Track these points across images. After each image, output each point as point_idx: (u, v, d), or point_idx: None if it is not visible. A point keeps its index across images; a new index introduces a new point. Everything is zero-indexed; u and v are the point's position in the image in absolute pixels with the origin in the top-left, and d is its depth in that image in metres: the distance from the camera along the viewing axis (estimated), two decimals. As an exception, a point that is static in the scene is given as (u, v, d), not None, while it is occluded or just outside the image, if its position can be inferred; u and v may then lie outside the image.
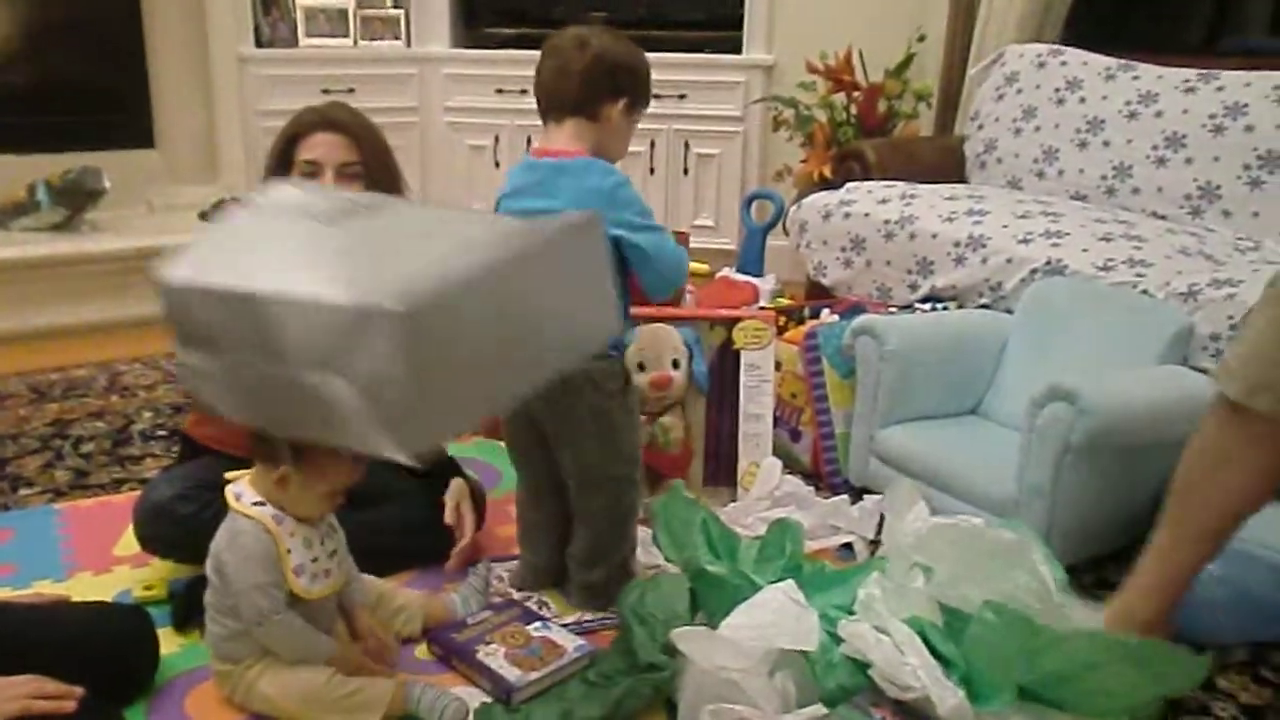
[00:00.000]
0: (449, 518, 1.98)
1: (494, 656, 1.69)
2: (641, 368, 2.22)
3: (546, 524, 1.92)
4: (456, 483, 2.03)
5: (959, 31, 3.81)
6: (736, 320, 2.28)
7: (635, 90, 1.79)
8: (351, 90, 4.26)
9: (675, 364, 2.25)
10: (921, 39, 3.89)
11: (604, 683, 1.59)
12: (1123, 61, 3.14)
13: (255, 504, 1.56)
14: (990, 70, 3.51)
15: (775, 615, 1.54)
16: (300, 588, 1.55)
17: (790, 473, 2.39)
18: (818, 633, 1.52)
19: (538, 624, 1.78)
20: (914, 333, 2.36)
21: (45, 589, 1.89)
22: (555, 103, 1.77)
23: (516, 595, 1.92)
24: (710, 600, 1.68)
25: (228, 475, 1.61)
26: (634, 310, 1.91)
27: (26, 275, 3.42)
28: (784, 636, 1.51)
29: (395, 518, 1.94)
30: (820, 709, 1.52)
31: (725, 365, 2.30)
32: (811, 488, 2.34)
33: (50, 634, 1.51)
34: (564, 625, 1.80)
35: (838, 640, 1.55)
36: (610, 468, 1.83)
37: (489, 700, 1.63)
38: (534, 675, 1.65)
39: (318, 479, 1.54)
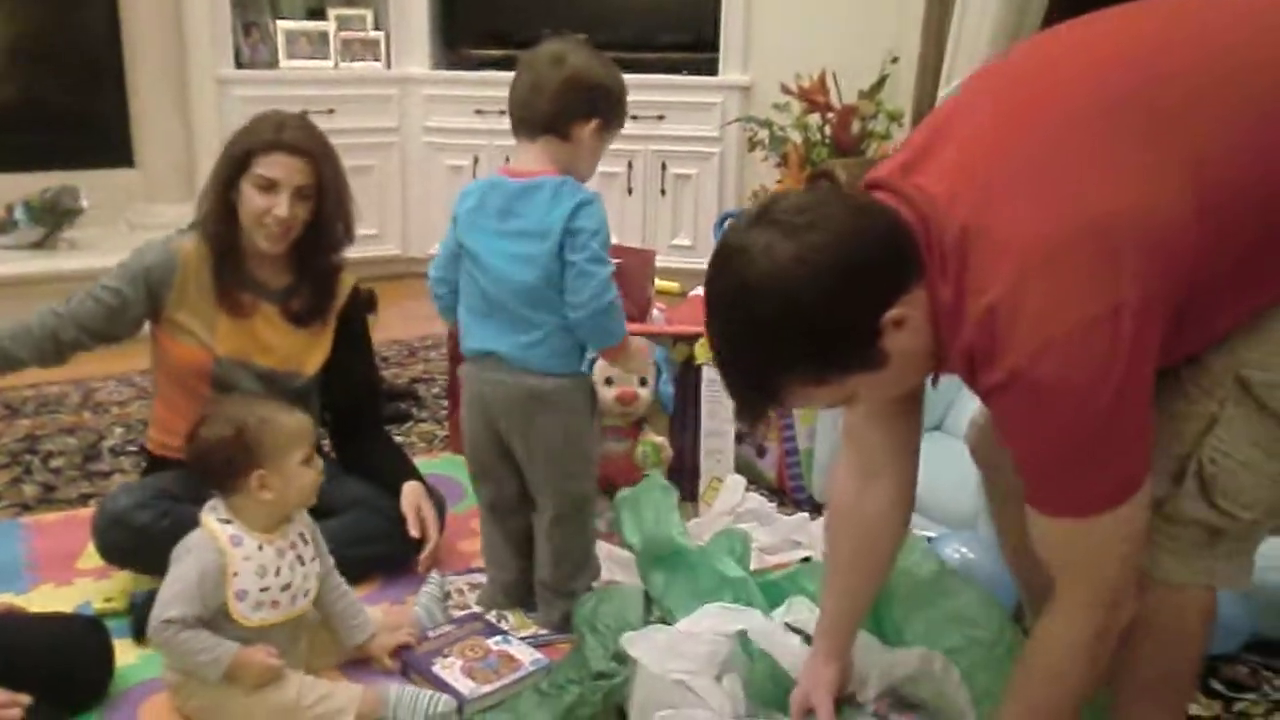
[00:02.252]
0: (411, 523, 1.99)
1: (450, 670, 1.71)
2: (609, 382, 2.24)
3: (509, 540, 1.92)
4: (410, 486, 2.04)
5: (931, 53, 3.85)
6: (698, 336, 2.30)
7: (609, 111, 1.76)
8: (331, 111, 4.27)
9: (643, 381, 2.27)
10: (894, 60, 3.93)
11: (555, 692, 1.60)
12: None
13: (221, 520, 1.58)
14: (959, 90, 3.55)
15: (719, 614, 1.58)
16: (238, 612, 1.57)
17: (755, 488, 2.41)
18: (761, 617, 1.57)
19: (498, 638, 1.80)
20: (876, 349, 2.38)
21: (6, 600, 1.90)
22: (527, 120, 1.74)
23: (479, 610, 1.92)
24: (673, 584, 1.74)
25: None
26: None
27: (4, 293, 3.43)
28: (734, 623, 1.56)
29: (351, 528, 1.95)
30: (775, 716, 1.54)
31: (688, 382, 2.32)
32: (775, 504, 2.36)
33: (1, 642, 1.51)
34: (522, 639, 1.82)
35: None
36: (581, 484, 1.84)
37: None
38: (487, 688, 1.67)
39: (283, 455, 1.60)
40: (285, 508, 1.63)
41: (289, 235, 1.94)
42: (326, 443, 2.19)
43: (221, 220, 1.94)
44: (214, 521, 1.59)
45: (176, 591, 1.54)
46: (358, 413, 2.17)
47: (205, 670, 1.54)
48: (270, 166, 1.89)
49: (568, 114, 1.72)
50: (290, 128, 1.93)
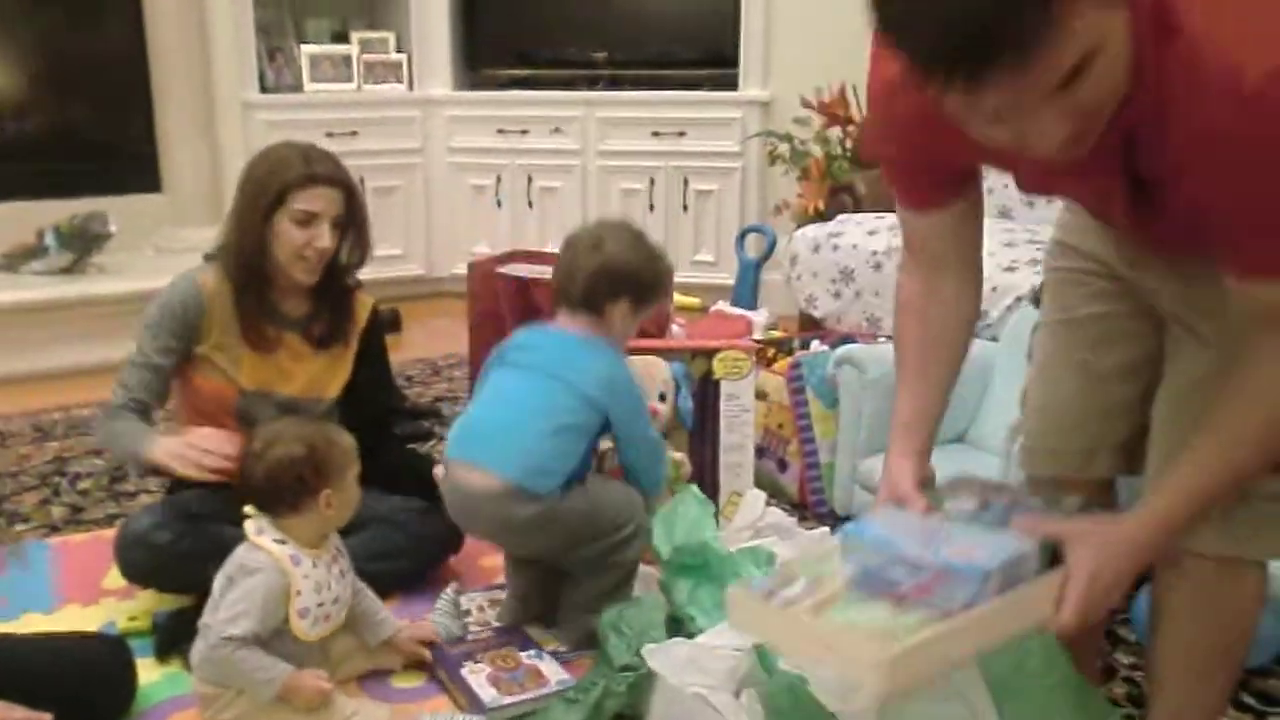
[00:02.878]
0: None
1: (477, 675, 1.73)
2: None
3: (532, 567, 1.93)
4: None
5: (951, 65, 3.84)
6: (716, 350, 2.30)
7: (639, 294, 1.87)
8: (355, 133, 4.34)
9: (662, 397, 2.27)
10: (915, 73, 3.92)
11: (581, 696, 1.60)
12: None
13: (276, 541, 1.62)
14: (981, 102, 3.54)
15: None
16: (301, 630, 1.61)
17: (777, 503, 2.40)
18: None
19: (532, 652, 1.81)
20: (896, 361, 2.37)
21: (33, 620, 1.93)
22: (565, 296, 1.88)
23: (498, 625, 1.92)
24: (697, 591, 1.74)
25: (247, 510, 1.66)
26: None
27: (36, 318, 3.49)
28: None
29: (370, 544, 1.95)
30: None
31: (707, 396, 2.32)
32: (795, 518, 2.34)
33: (22, 662, 1.53)
34: (551, 653, 1.82)
35: None
36: (611, 537, 1.84)
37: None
38: (509, 700, 1.67)
39: (347, 473, 1.67)
40: (340, 524, 1.69)
41: (323, 265, 1.97)
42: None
43: (256, 255, 1.95)
44: (270, 543, 1.62)
45: (241, 610, 1.57)
46: (378, 429, 2.19)
47: (259, 689, 1.57)
48: (310, 200, 1.91)
49: (598, 296, 1.85)
50: (317, 159, 1.95)
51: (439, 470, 1.89)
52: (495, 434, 1.80)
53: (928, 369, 1.38)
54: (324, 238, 1.92)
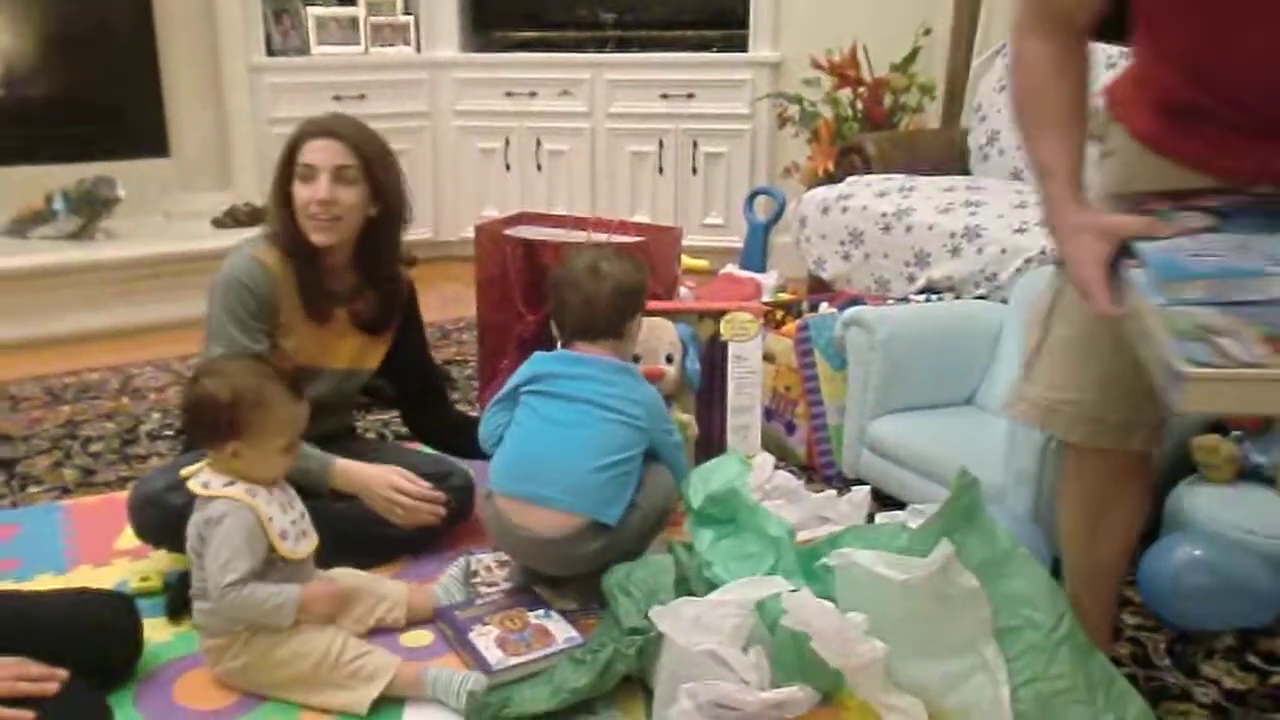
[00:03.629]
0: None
1: (484, 637, 1.73)
2: (636, 359, 2.23)
3: None
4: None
5: (964, 24, 3.80)
6: (724, 312, 2.29)
7: (643, 305, 2.01)
8: (363, 96, 4.31)
9: (669, 359, 2.26)
10: (927, 32, 3.88)
11: (590, 657, 1.61)
12: (1127, 50, 3.11)
13: (226, 485, 1.63)
14: (993, 61, 3.50)
15: (748, 586, 1.59)
16: (287, 549, 1.63)
17: (784, 465, 2.40)
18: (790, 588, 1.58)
19: (540, 611, 1.81)
20: (904, 324, 2.36)
21: (47, 581, 1.95)
22: (587, 328, 1.95)
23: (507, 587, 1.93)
24: (719, 542, 1.76)
25: (183, 471, 1.67)
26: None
27: (45, 283, 3.50)
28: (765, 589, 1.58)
29: (365, 507, 1.96)
30: (798, 689, 1.54)
31: (715, 358, 2.31)
32: (803, 480, 2.34)
33: (35, 619, 1.55)
34: (560, 613, 1.83)
35: None
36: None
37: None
38: (514, 660, 1.68)
39: (267, 438, 1.61)
40: (248, 478, 1.65)
41: (337, 225, 1.94)
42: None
43: (288, 225, 1.95)
44: (220, 488, 1.63)
45: (228, 556, 1.57)
46: (424, 390, 2.27)
47: (278, 617, 1.59)
48: (310, 153, 1.92)
49: (622, 319, 1.96)
50: (325, 117, 1.97)
51: (480, 498, 1.95)
52: (555, 470, 1.83)
53: (1072, 125, 1.32)
54: (321, 190, 1.90)
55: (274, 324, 1.97)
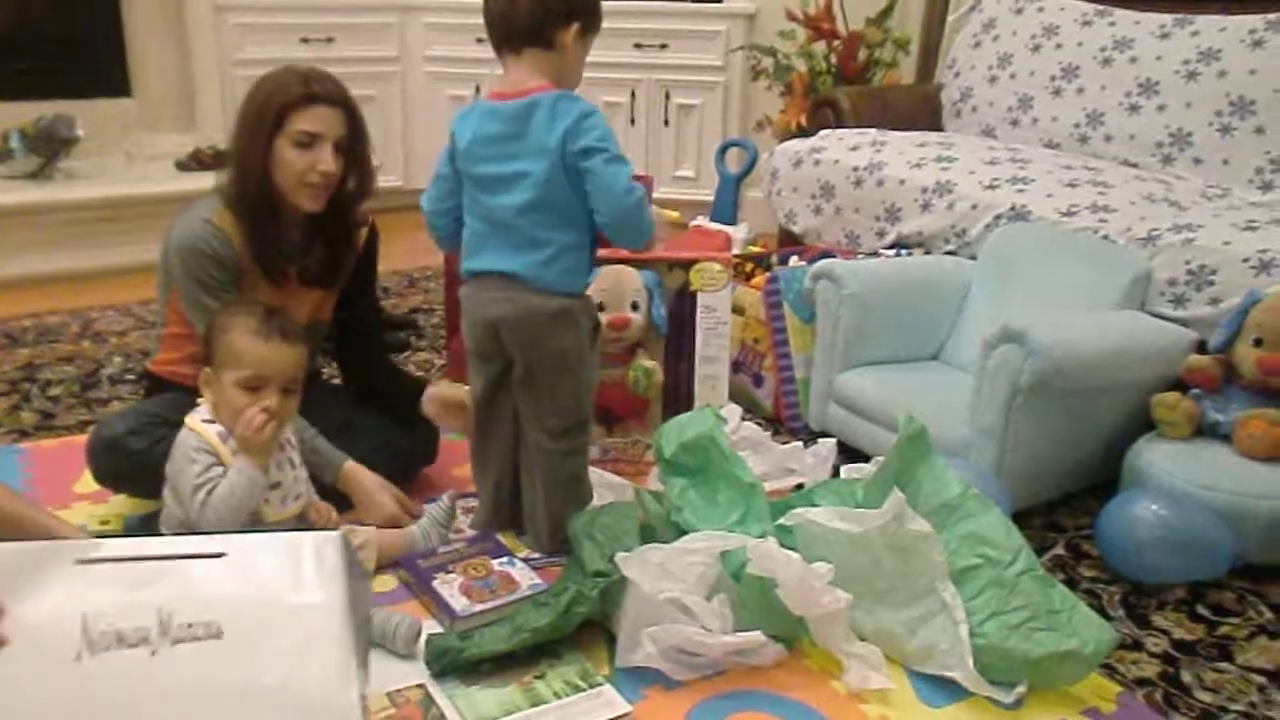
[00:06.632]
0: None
1: (449, 586, 1.73)
2: (601, 308, 2.22)
3: (501, 451, 1.92)
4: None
5: (941, -21, 3.77)
6: (694, 262, 2.28)
7: (586, 13, 1.75)
8: (330, 39, 4.23)
9: (635, 306, 2.25)
10: (904, -13, 3.85)
11: (552, 600, 1.62)
12: (1100, 7, 3.11)
13: (204, 420, 1.63)
14: (969, 17, 3.49)
15: (713, 538, 1.60)
16: (273, 513, 1.65)
17: (752, 418, 2.41)
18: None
19: (504, 559, 1.81)
20: (873, 278, 2.36)
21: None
22: (508, 32, 1.73)
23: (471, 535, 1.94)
24: (690, 489, 1.79)
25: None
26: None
27: (2, 223, 3.42)
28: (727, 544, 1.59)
29: (348, 452, 1.94)
30: (759, 635, 1.56)
31: (684, 309, 2.31)
32: (769, 432, 2.36)
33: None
34: (523, 560, 1.83)
35: None
36: (580, 406, 1.85)
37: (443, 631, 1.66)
38: (479, 607, 1.69)
39: (226, 371, 1.62)
40: (219, 414, 1.65)
41: (329, 191, 1.89)
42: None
43: (260, 185, 1.85)
44: (199, 423, 1.63)
45: (196, 472, 1.59)
46: (364, 344, 2.18)
47: (254, 492, 1.60)
48: (310, 121, 1.82)
49: (548, 19, 1.71)
50: (317, 79, 1.85)
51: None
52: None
53: None
54: (327, 160, 1.83)
55: (239, 287, 1.90)
